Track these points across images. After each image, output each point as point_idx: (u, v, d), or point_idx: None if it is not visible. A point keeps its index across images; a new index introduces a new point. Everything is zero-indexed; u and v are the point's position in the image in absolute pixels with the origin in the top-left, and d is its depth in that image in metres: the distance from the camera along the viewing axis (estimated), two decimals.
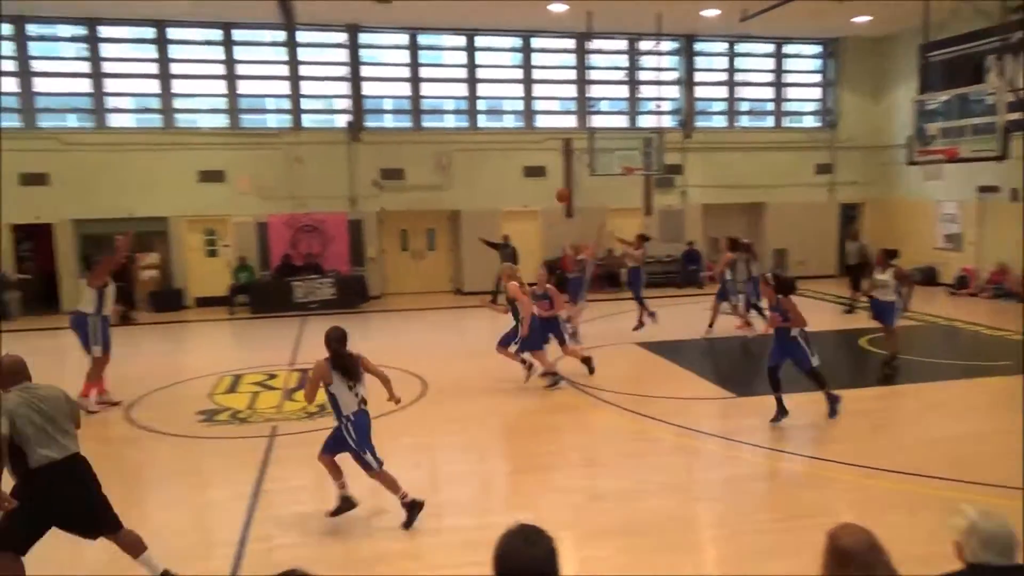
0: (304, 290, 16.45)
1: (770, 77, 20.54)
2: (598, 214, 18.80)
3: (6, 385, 4.49)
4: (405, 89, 18.52)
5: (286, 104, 17.93)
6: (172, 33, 17.14)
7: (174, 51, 17.26)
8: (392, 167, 17.92)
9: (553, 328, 9.91)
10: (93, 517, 4.60)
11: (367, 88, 18.14)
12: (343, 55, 17.84)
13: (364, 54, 18.06)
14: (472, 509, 6.24)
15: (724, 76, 20.24)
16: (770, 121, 20.74)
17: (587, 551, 5.33)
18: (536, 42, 18.94)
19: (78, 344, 9.25)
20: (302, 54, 17.77)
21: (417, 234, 19.14)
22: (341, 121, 18.02)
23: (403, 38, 18.23)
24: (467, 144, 18.28)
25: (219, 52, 17.43)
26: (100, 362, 9.21)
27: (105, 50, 16.96)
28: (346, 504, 5.81)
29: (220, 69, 17.46)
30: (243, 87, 17.70)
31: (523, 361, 9.66)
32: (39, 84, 16.77)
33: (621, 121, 19.51)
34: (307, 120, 18.05)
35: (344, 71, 17.88)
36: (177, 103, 17.45)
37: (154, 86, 17.24)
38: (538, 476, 7.05)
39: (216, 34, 17.32)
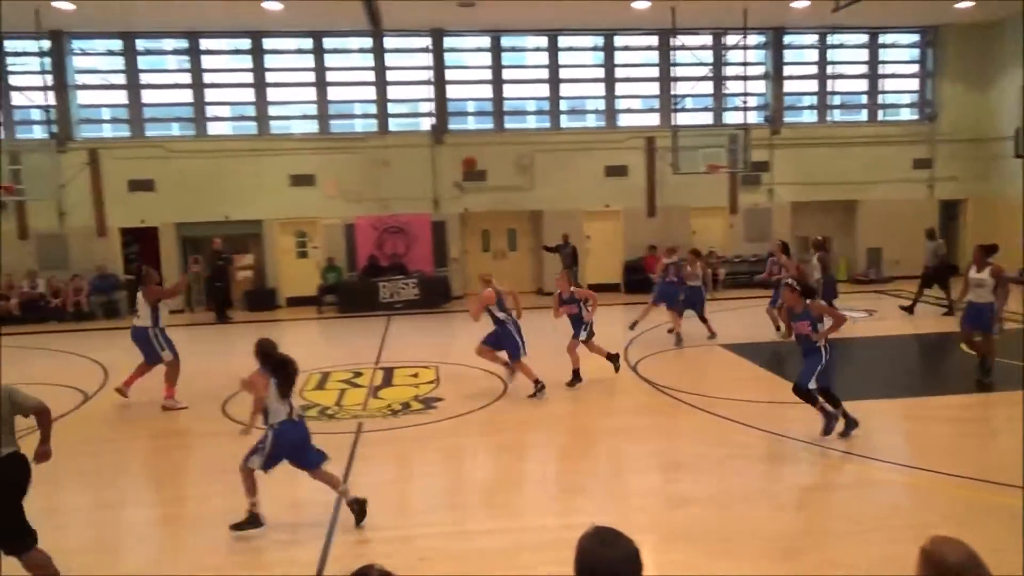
0: (389, 290, 16.85)
1: (864, 69, 19.72)
2: (682, 213, 18.53)
3: None
4: (487, 91, 18.72)
5: (372, 109, 18.42)
6: (267, 43, 17.88)
7: (269, 60, 18.01)
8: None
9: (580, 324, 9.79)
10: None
11: (450, 91, 18.43)
12: (427, 59, 18.19)
13: (448, 58, 18.36)
14: (552, 510, 6.26)
15: (814, 69, 19.56)
16: (864, 115, 19.91)
17: (667, 556, 5.27)
18: (619, 40, 18.80)
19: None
20: (388, 60, 18.22)
21: (499, 235, 19.32)
22: (425, 124, 18.38)
23: (486, 40, 18.44)
24: (549, 144, 18.32)
25: (310, 60, 18.07)
26: (174, 366, 9.62)
27: (206, 62, 17.85)
28: (252, 521, 5.75)
29: (311, 77, 18.10)
30: (332, 93, 18.30)
31: (506, 364, 9.71)
32: (146, 96, 17.82)
33: (706, 118, 19.14)
34: (393, 124, 18.51)
35: (428, 75, 18.23)
36: (271, 110, 18.19)
37: (250, 95, 18.03)
38: (618, 479, 7.02)
39: (307, 43, 17.96)
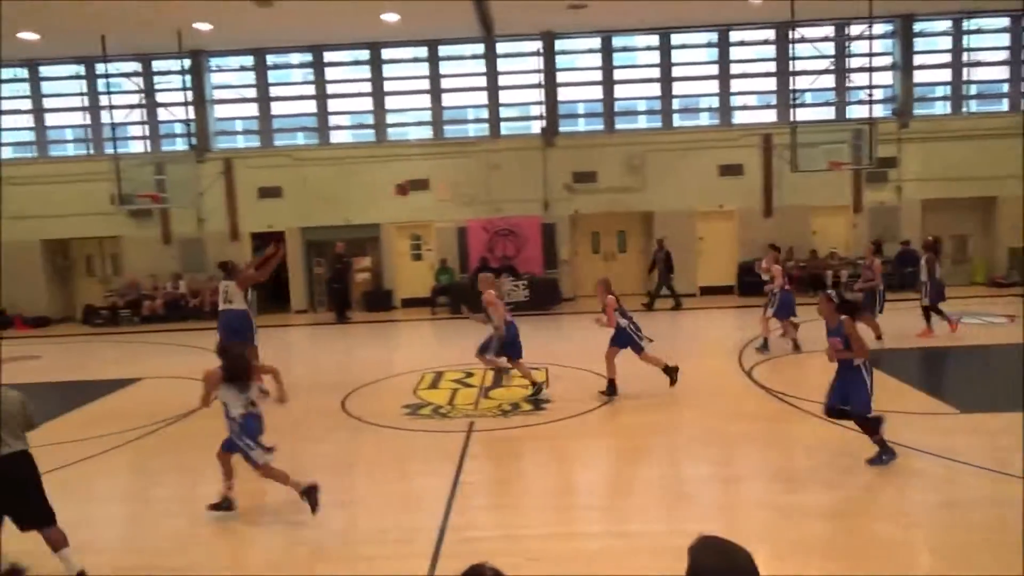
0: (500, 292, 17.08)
1: (1005, 55, 18.29)
2: (800, 213, 17.83)
3: None
4: (598, 92, 18.67)
5: (484, 113, 18.78)
6: (385, 54, 18.57)
7: (386, 70, 18.71)
8: (585, 170, 18.15)
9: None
10: (26, 510, 5.05)
11: (561, 93, 18.52)
12: (538, 63, 18.36)
13: (559, 60, 18.46)
14: (661, 516, 6.20)
15: (948, 57, 18.33)
16: (1005, 104, 18.47)
17: (781, 569, 5.10)
18: (734, 35, 18.31)
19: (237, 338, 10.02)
20: (500, 64, 18.52)
21: (609, 236, 19.23)
22: (536, 127, 18.55)
23: (596, 42, 18.41)
24: (660, 144, 18.07)
25: (425, 68, 18.63)
26: (255, 352, 10.14)
27: (328, 74, 18.75)
28: (226, 504, 6.25)
29: (425, 84, 18.67)
30: (446, 100, 18.80)
31: (499, 369, 9.67)
32: (275, 108, 18.92)
33: (827, 113, 18.33)
34: (504, 128, 18.80)
35: (539, 78, 18.39)
36: (388, 118, 18.89)
37: (368, 104, 18.79)
38: (730, 486, 6.85)
39: (422, 51, 18.52)
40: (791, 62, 17.72)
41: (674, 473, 7.37)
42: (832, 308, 6.77)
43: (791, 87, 17.63)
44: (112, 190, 16.52)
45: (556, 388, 9.92)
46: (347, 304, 17.71)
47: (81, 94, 18.91)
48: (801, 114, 17.49)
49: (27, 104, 18.94)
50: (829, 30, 18.03)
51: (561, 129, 18.51)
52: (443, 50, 18.56)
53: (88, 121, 18.97)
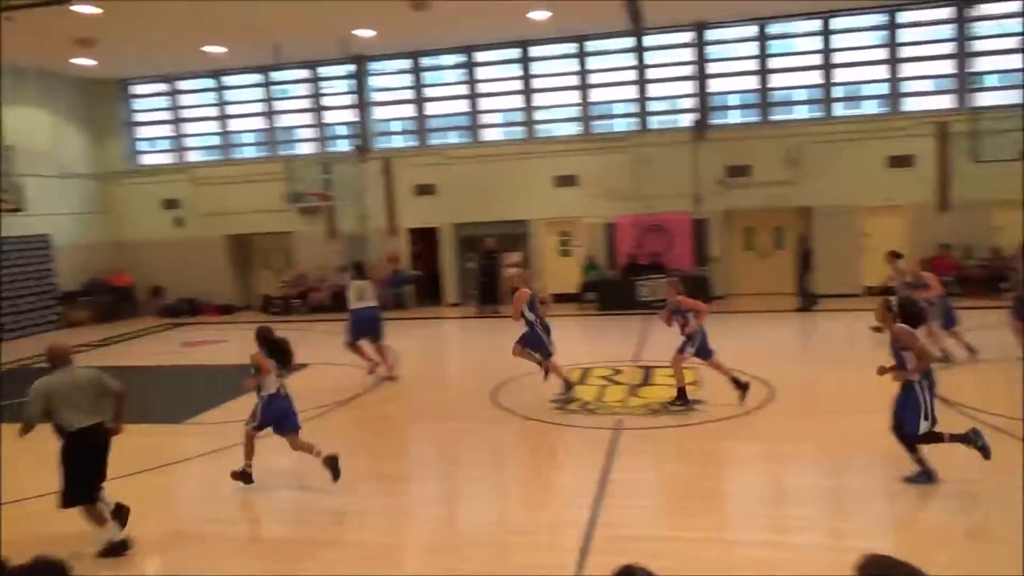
0: (648, 289, 16.90)
1: None
2: (982, 208, 16.31)
3: (55, 366, 5.84)
4: (753, 83, 17.98)
5: (633, 108, 18.60)
6: (533, 51, 18.84)
7: (535, 68, 18.98)
8: (738, 164, 17.54)
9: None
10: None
11: (712, 85, 18.01)
12: (688, 54, 17.94)
13: (710, 51, 17.95)
14: (821, 528, 5.96)
15: None
16: None
17: None
18: (904, 16, 17.01)
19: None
20: (649, 57, 18.26)
21: (763, 232, 18.48)
22: (686, 121, 18.15)
23: (752, 30, 17.72)
24: (820, 135, 17.12)
25: (574, 64, 18.73)
26: (382, 348, 11.36)
27: (479, 73, 19.27)
28: (245, 477, 6.90)
29: (574, 80, 18.76)
30: (594, 95, 18.79)
31: (539, 363, 9.73)
32: (432, 108, 19.72)
33: (1014, 97, 16.61)
34: (653, 122, 18.55)
35: (690, 70, 17.98)
36: (537, 115, 19.16)
37: (518, 101, 19.15)
38: (901, 502, 6.42)
39: (571, 47, 18.61)
40: (969, 42, 16.19)
41: (832, 484, 7.03)
42: (893, 319, 6.31)
43: (970, 69, 16.10)
44: (285, 189, 17.90)
45: (708, 389, 9.69)
46: (496, 299, 18.16)
47: (259, 100, 20.57)
48: (982, 99, 15.94)
49: (214, 111, 20.84)
50: (1016, 5, 16.32)
51: (713, 121, 17.99)
52: (591, 45, 18.55)
53: (265, 125, 20.60)
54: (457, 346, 15.21)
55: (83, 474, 5.70)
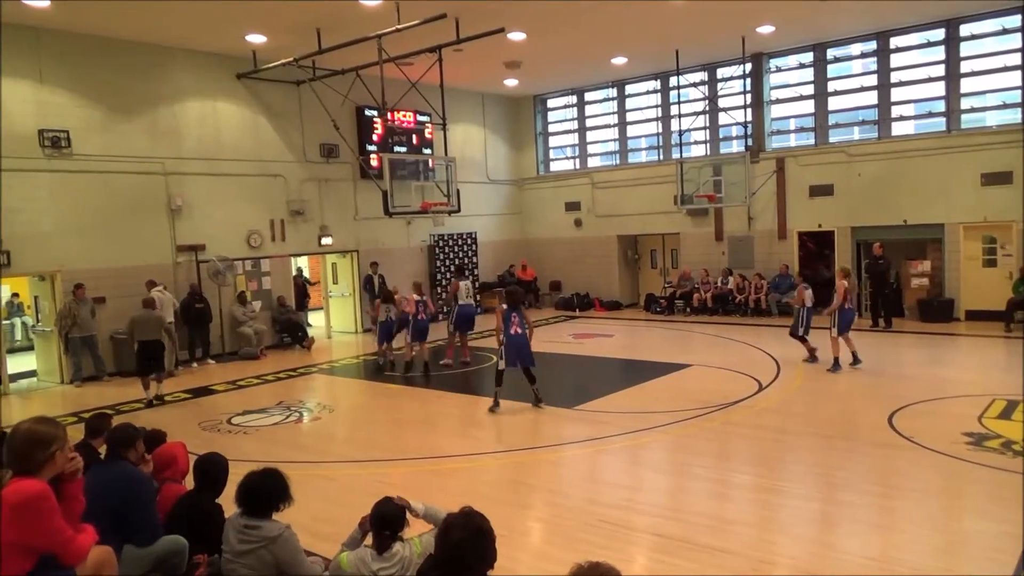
0: None
1: None
2: None
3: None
4: None
5: None
6: (965, 30, 16.41)
7: (964, 49, 16.53)
8: None
9: None
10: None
11: None
12: None
13: None
14: None
15: None
16: None
17: None
18: None
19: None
20: None
21: None
22: None
23: None
24: None
25: (1015, 41, 15.86)
26: (454, 338, 14.01)
27: (894, 60, 17.40)
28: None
29: (1014, 60, 15.87)
30: None
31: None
32: (832, 103, 18.42)
33: None
34: None
35: None
36: (963, 103, 16.67)
37: (939, 89, 16.87)
38: None
39: (1014, 21, 15.78)
40: None
41: None
42: None
43: None
44: (675, 191, 18.35)
45: None
46: (897, 312, 16.34)
47: (655, 106, 21.36)
48: None
49: (614, 119, 22.22)
50: None
51: None
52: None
53: (659, 130, 21.33)
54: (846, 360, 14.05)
55: None
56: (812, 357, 12.70)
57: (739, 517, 6.54)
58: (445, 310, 16.99)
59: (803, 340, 12.72)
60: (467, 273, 15.31)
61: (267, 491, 4.23)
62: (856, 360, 12.06)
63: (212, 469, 4.99)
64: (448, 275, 20.01)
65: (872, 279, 16.60)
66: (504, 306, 10.63)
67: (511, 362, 10.39)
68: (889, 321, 16.19)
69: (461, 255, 21.16)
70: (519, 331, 10.42)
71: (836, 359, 12.02)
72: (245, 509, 4.21)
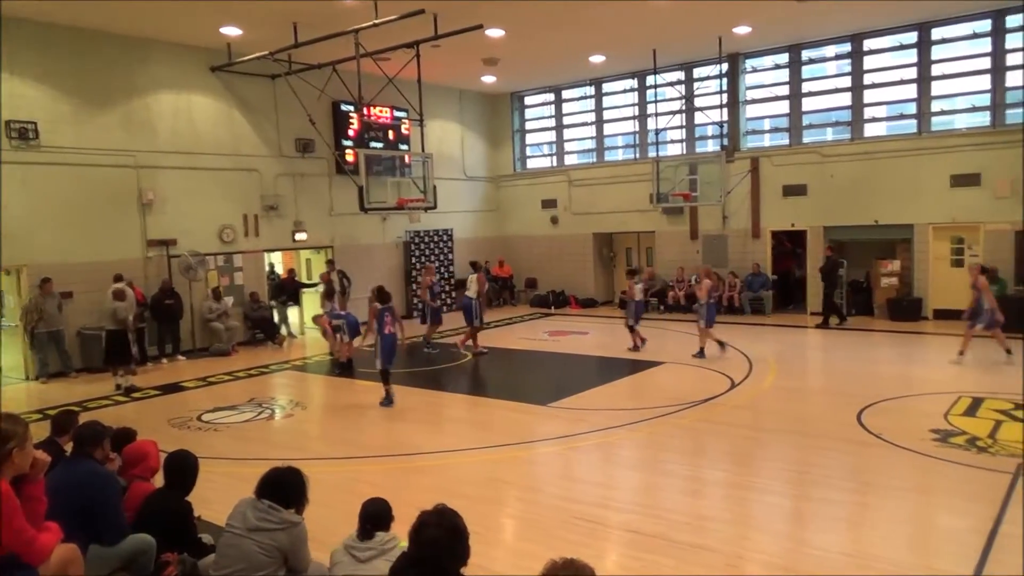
0: None
1: None
2: None
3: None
4: None
5: None
6: (936, 33, 16.66)
7: (936, 52, 16.78)
8: None
9: None
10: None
11: None
12: None
13: None
14: None
15: None
16: None
17: None
18: None
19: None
20: None
21: None
22: None
23: None
24: None
25: (983, 45, 16.13)
26: (476, 329, 14.26)
27: (867, 62, 17.61)
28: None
29: (984, 63, 16.16)
30: (1011, 79, 15.97)
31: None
32: (806, 104, 18.61)
33: None
34: None
35: None
36: (934, 106, 16.92)
37: (911, 91, 17.11)
38: None
39: (983, 25, 16.06)
40: None
41: None
42: None
43: None
44: (651, 190, 18.43)
45: None
46: (834, 309, 16.62)
47: (632, 105, 21.43)
48: None
49: (591, 117, 22.25)
50: None
51: None
52: (1013, 20, 15.75)
53: (636, 128, 21.41)
54: (819, 359, 14.22)
55: None
56: (636, 347, 14.28)
57: (714, 513, 6.59)
58: (420, 305, 16.92)
59: (632, 330, 14.31)
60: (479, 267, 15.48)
61: (293, 486, 4.27)
62: (723, 347, 13.50)
63: (181, 467, 4.93)
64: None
65: (823, 278, 16.80)
66: (377, 304, 10.65)
67: (387, 360, 10.59)
68: (827, 321, 16.53)
69: (437, 252, 21.09)
70: (391, 331, 10.56)
71: (702, 348, 13.50)
72: (268, 497, 4.21)
